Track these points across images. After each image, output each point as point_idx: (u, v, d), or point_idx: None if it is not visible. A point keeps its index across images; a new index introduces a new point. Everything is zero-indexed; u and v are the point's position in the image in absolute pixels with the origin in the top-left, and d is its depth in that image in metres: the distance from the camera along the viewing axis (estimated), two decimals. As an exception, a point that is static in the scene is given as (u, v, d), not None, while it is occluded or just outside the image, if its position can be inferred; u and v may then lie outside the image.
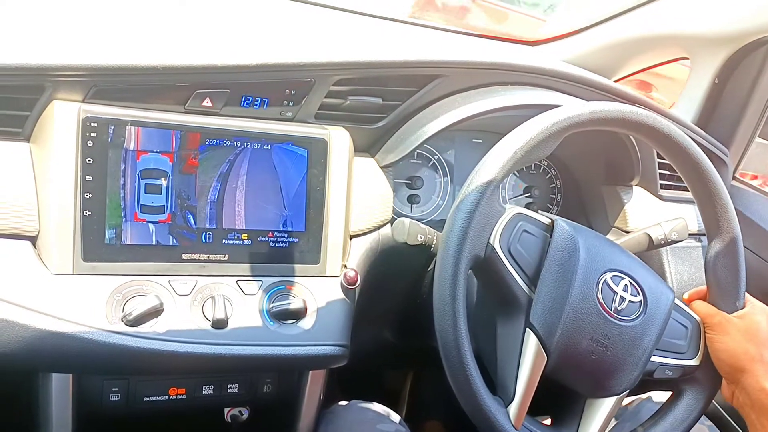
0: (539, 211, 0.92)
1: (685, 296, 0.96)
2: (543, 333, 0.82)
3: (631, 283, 0.86)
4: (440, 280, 0.79)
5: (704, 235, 0.93)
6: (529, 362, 0.83)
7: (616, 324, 0.84)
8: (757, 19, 1.10)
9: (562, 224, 0.87)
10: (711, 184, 0.87)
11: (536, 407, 0.84)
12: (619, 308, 0.84)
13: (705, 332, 0.91)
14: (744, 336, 0.87)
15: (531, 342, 0.83)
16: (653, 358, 0.88)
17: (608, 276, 0.85)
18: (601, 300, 0.84)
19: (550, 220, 0.88)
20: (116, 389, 0.94)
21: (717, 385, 0.91)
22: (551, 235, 0.86)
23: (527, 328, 0.83)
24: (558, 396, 0.89)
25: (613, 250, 0.89)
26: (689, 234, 1.02)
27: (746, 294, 0.92)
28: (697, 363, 0.91)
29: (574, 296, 0.82)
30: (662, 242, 1.02)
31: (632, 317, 0.85)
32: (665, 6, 1.27)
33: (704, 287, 0.94)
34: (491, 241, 0.82)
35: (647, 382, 0.89)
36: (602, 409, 0.87)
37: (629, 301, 0.85)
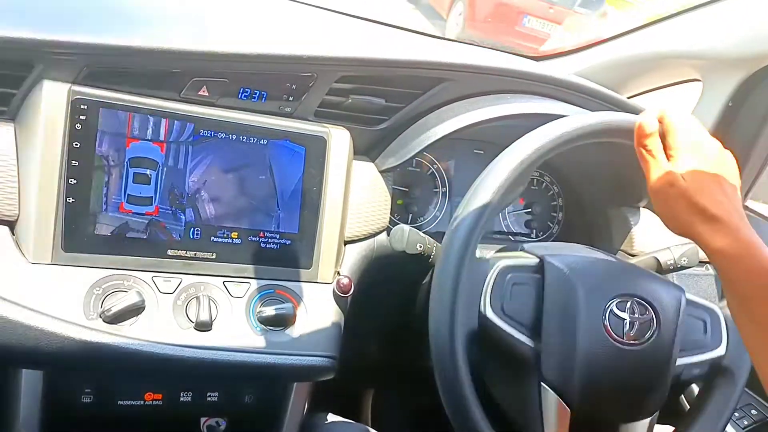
0: (524, 248, 0.89)
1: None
2: (560, 386, 0.79)
3: (637, 302, 0.82)
4: (437, 309, 0.76)
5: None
6: (552, 421, 0.80)
7: (632, 350, 0.80)
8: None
9: (552, 263, 0.83)
10: None
11: None
12: (631, 333, 0.81)
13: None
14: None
15: (550, 398, 0.80)
16: (678, 362, 0.84)
17: (613, 304, 0.81)
18: (611, 332, 0.80)
19: (538, 259, 0.84)
20: (89, 390, 0.89)
21: (747, 367, 0.86)
22: (543, 276, 0.82)
23: (542, 383, 0.80)
24: (593, 424, 0.85)
25: (611, 273, 0.85)
26: (699, 261, 0.99)
27: None
28: (723, 352, 0.87)
29: (582, 338, 0.79)
30: (671, 267, 0.98)
31: (647, 337, 0.81)
32: (675, 26, 1.24)
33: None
34: (483, 310, 0.79)
35: (676, 386, 0.85)
36: (638, 430, 0.85)
37: (639, 322, 0.81)
